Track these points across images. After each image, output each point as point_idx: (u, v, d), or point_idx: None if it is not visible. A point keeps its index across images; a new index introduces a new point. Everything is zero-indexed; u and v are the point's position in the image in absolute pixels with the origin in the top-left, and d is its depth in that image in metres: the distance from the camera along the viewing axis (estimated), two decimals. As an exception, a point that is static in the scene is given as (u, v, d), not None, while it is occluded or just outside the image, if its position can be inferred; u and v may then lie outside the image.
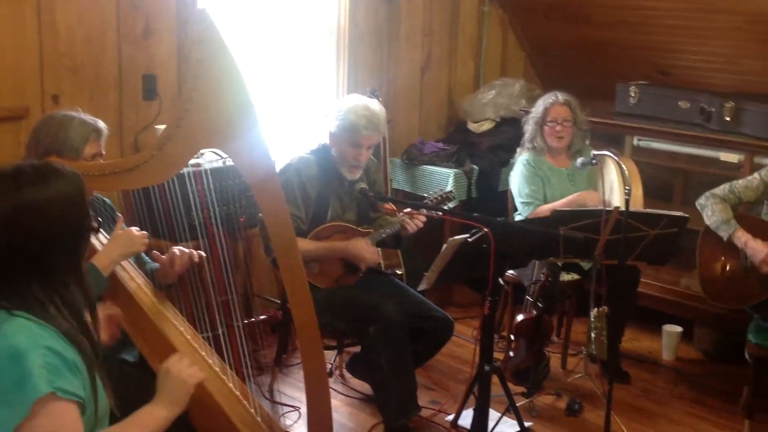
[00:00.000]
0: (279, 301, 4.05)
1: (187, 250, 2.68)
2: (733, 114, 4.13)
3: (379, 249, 4.05)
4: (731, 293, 3.51)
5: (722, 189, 3.56)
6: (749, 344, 3.41)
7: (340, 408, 3.71)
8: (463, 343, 4.25)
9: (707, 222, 3.54)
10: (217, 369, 2.57)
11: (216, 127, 2.24)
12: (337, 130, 3.40)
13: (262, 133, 2.27)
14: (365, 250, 3.39)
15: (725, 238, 3.46)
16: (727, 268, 3.51)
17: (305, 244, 3.30)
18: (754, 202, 3.57)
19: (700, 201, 3.59)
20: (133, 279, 2.60)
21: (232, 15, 4.11)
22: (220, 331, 2.68)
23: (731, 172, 4.15)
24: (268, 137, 2.34)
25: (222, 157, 3.54)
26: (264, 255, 3.59)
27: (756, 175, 3.54)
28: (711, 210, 3.52)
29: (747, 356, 3.44)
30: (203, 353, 2.58)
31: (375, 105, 3.45)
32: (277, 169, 3.40)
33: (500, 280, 4.11)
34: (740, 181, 3.56)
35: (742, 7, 4.22)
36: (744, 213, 3.64)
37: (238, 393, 2.56)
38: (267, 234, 2.55)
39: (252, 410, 2.56)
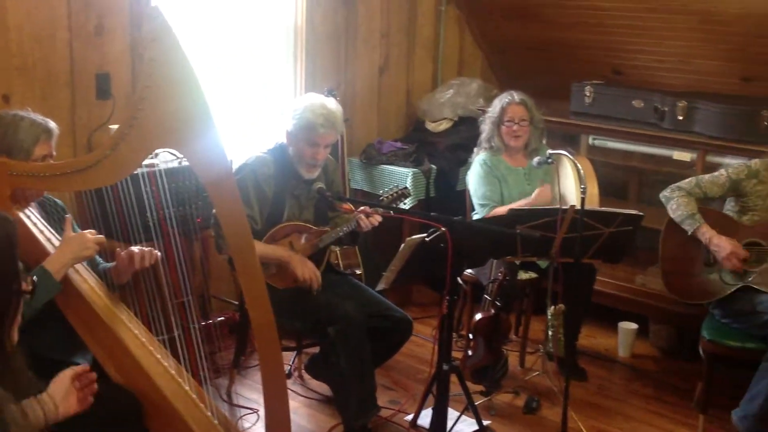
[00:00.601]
0: (237, 303, 4.01)
1: (146, 249, 2.64)
2: (685, 113, 4.19)
3: (337, 248, 4.05)
4: (694, 288, 3.55)
5: (688, 183, 3.59)
6: (703, 340, 3.45)
7: (299, 409, 3.69)
8: (422, 343, 4.26)
9: (671, 215, 3.57)
10: (172, 372, 2.55)
11: (170, 127, 2.22)
12: (294, 129, 3.38)
13: (218, 132, 2.25)
14: (307, 270, 3.33)
15: (689, 233, 3.49)
16: (690, 262, 3.54)
17: (258, 248, 3.27)
18: (718, 198, 3.62)
19: (665, 193, 3.62)
20: (86, 281, 2.56)
21: (187, 13, 4.06)
22: (176, 334, 2.65)
23: (684, 170, 4.21)
24: (223, 137, 2.32)
25: (177, 157, 3.49)
26: (221, 256, 3.55)
27: (723, 171, 3.58)
28: (676, 203, 3.55)
29: (701, 352, 3.49)
30: (158, 356, 2.55)
31: (332, 103, 3.44)
32: (234, 169, 3.41)
33: (459, 280, 4.14)
34: (707, 177, 3.60)
35: (694, 8, 4.29)
36: (708, 207, 3.68)
37: (194, 396, 2.54)
38: (219, 231, 2.52)
39: (209, 413, 2.54)
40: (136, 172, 2.49)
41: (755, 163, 3.52)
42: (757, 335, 3.33)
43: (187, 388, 2.54)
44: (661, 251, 3.65)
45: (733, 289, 3.41)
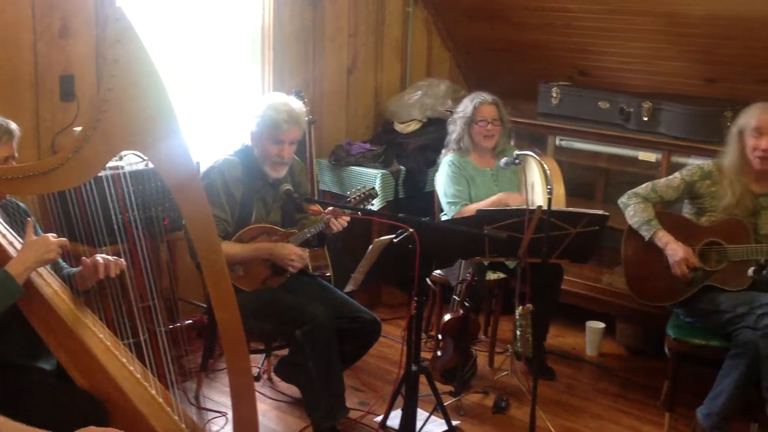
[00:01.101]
0: (205, 305, 3.99)
1: (112, 259, 2.61)
2: (650, 114, 4.23)
3: (306, 250, 4.04)
4: (656, 291, 3.58)
5: (644, 188, 3.63)
6: (669, 339, 3.49)
7: (268, 412, 3.67)
8: (391, 344, 4.26)
9: (629, 221, 3.61)
10: (138, 376, 2.53)
11: (135, 129, 2.20)
12: (258, 128, 3.37)
13: (183, 134, 2.23)
14: (292, 252, 3.37)
15: (646, 238, 3.54)
16: (652, 266, 3.58)
17: (232, 247, 3.27)
18: (675, 201, 3.66)
19: (623, 200, 3.66)
20: (50, 285, 2.53)
21: (152, 13, 4.03)
22: (142, 338, 2.63)
23: (650, 171, 4.26)
24: (189, 139, 2.30)
25: (143, 160, 3.46)
26: (189, 259, 3.53)
27: (677, 174, 3.63)
28: (633, 210, 3.59)
29: (667, 351, 3.53)
30: (124, 360, 2.53)
31: (293, 101, 3.44)
32: (202, 172, 3.39)
33: (428, 280, 4.15)
34: (662, 181, 3.64)
35: (659, 10, 4.33)
36: (667, 210, 3.72)
37: (161, 400, 2.53)
38: (190, 235, 2.51)
39: (176, 417, 2.53)
40: (100, 175, 2.47)
41: (708, 164, 3.58)
42: (720, 334, 3.38)
43: (153, 392, 2.53)
44: (624, 256, 3.69)
45: (695, 290, 3.45)
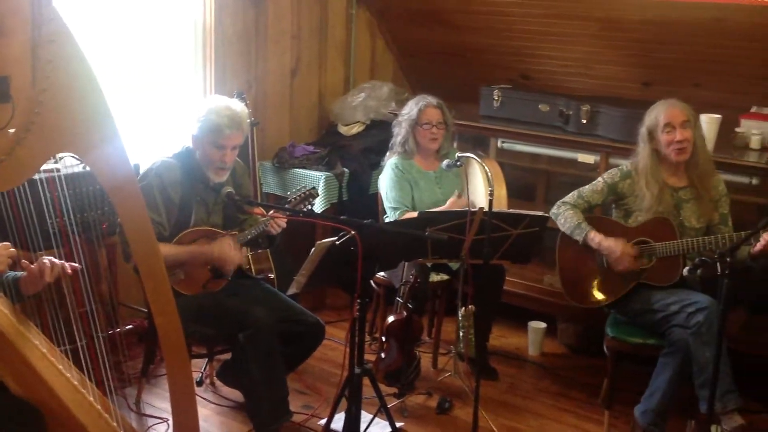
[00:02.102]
0: (146, 310, 3.93)
1: (58, 261, 2.55)
2: (589, 117, 4.30)
3: (250, 251, 4.01)
4: (592, 293, 3.65)
5: (571, 196, 3.71)
6: (607, 338, 3.55)
7: (210, 417, 3.64)
8: (336, 347, 4.25)
9: (562, 229, 3.68)
10: (75, 383, 2.49)
11: (69, 131, 2.18)
12: (200, 132, 3.34)
13: (119, 136, 2.21)
14: (229, 250, 3.33)
15: (580, 242, 3.60)
16: (586, 269, 3.65)
17: (168, 249, 3.22)
18: (602, 204, 3.73)
19: (553, 210, 3.72)
20: (-18, 291, 2.47)
21: (88, 12, 3.95)
22: (80, 344, 2.58)
23: (588, 172, 4.33)
24: (126, 141, 2.28)
25: (80, 162, 3.40)
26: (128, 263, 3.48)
27: (600, 179, 3.71)
28: (563, 218, 3.66)
29: (605, 349, 3.59)
30: (60, 367, 2.48)
31: (237, 104, 3.41)
32: (140, 174, 3.35)
33: (371, 283, 4.15)
34: (587, 187, 3.72)
35: (596, 15, 4.42)
36: (598, 215, 3.80)
37: (99, 407, 2.50)
38: (126, 239, 2.47)
39: (114, 423, 2.49)
40: (34, 178, 2.41)
41: (627, 165, 3.67)
42: (655, 332, 3.45)
43: (91, 398, 2.49)
44: (558, 262, 3.74)
45: (628, 288, 3.52)
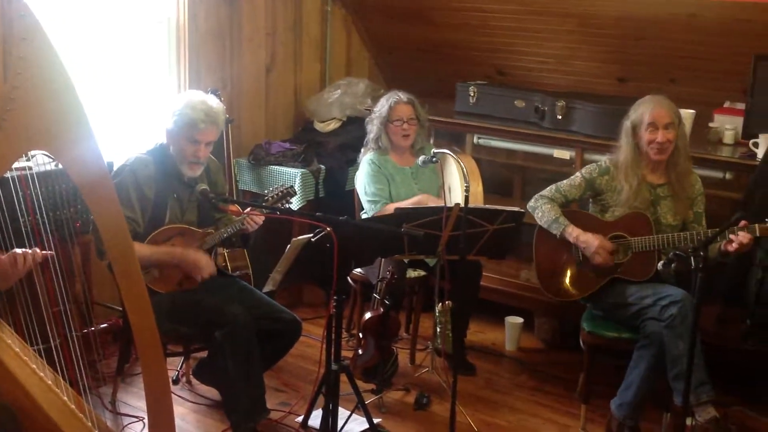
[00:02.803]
0: (121, 309, 3.90)
1: (29, 250, 2.52)
2: (564, 112, 4.32)
3: (226, 250, 4.00)
4: (568, 286, 3.67)
5: (549, 190, 3.72)
6: (583, 332, 3.57)
7: (187, 416, 3.62)
8: (313, 344, 4.24)
9: (539, 222, 3.69)
10: (49, 382, 2.47)
11: (41, 128, 2.16)
12: (174, 127, 3.32)
13: (92, 133, 2.19)
14: (202, 261, 3.32)
15: (558, 236, 3.61)
16: (562, 262, 3.66)
17: (142, 249, 3.19)
18: (579, 199, 3.75)
19: (531, 203, 3.73)
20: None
21: (61, 8, 3.92)
22: (52, 343, 2.56)
23: (564, 168, 4.35)
24: (99, 137, 2.25)
25: (53, 160, 3.36)
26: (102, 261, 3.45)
27: (578, 174, 3.73)
28: (541, 211, 3.67)
29: (581, 344, 3.61)
30: (34, 366, 2.46)
31: (212, 100, 3.39)
32: (114, 171, 3.32)
33: (348, 279, 4.15)
34: (565, 181, 3.73)
35: (573, 11, 4.44)
36: (575, 209, 3.81)
37: (73, 406, 2.48)
38: (99, 237, 2.45)
39: (89, 423, 2.47)
40: (6, 176, 2.39)
41: (605, 161, 3.68)
42: (629, 326, 3.47)
43: (65, 398, 2.47)
44: (535, 257, 3.76)
45: (603, 282, 3.54)
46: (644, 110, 3.51)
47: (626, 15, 4.29)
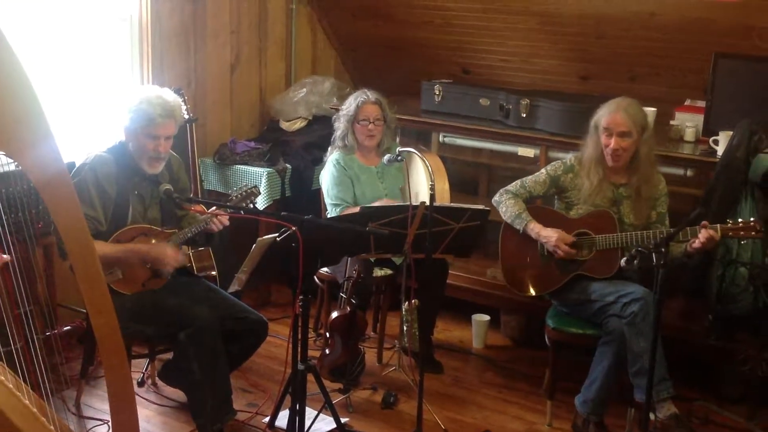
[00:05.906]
0: (85, 311, 3.85)
1: None
2: (528, 111, 4.34)
3: (190, 249, 3.96)
4: (532, 282, 3.70)
5: (514, 185, 3.75)
6: (548, 328, 3.60)
7: (152, 418, 3.59)
8: (280, 344, 4.23)
9: (503, 217, 3.72)
10: (10, 386, 2.43)
11: (1, 130, 2.11)
12: (132, 123, 3.28)
13: (51, 132, 2.16)
14: (168, 253, 3.29)
15: (520, 231, 3.64)
16: (527, 258, 3.69)
17: (105, 248, 3.16)
18: (543, 195, 3.78)
19: (495, 198, 3.76)
20: None
21: (20, 7, 3.86)
22: (13, 347, 2.52)
23: (529, 166, 4.38)
24: (59, 137, 2.22)
25: (13, 161, 3.31)
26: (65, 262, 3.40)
27: (543, 170, 3.76)
28: (505, 206, 3.70)
29: (547, 340, 3.64)
30: (-6, 370, 2.43)
31: (167, 93, 3.36)
32: (74, 170, 3.27)
33: (315, 278, 4.14)
34: (530, 177, 3.76)
35: (534, 10, 4.47)
36: (541, 205, 3.84)
37: (35, 410, 2.44)
38: (60, 236, 2.42)
39: (51, 426, 2.44)
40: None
41: (570, 159, 3.72)
42: (593, 322, 3.51)
43: (26, 401, 2.43)
44: (501, 253, 3.78)
45: (567, 278, 3.57)
46: (604, 113, 3.54)
47: (587, 13, 4.33)
